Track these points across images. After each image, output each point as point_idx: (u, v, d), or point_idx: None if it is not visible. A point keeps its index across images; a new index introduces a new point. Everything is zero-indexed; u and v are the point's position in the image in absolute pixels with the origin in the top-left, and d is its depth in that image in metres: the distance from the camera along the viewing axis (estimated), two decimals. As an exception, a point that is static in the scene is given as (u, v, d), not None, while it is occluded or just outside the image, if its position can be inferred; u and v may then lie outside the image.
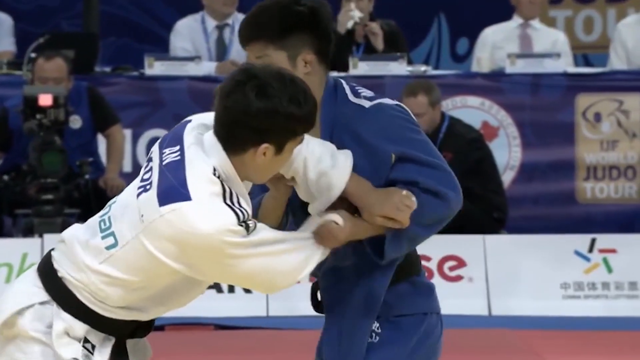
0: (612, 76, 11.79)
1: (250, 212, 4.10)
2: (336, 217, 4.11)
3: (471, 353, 9.34)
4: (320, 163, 4.13)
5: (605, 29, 14.26)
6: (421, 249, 9.13)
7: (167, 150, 4.09)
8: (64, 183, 10.73)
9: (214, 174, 4.06)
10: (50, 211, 10.64)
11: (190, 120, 4.21)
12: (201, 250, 3.97)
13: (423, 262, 9.70)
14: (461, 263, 10.56)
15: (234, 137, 4.11)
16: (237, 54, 12.14)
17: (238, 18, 12.42)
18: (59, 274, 4.12)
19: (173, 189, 3.96)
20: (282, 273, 4.09)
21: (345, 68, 11.35)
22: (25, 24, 12.86)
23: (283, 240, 4.09)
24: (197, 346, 10.00)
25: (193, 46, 12.35)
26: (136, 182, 4.12)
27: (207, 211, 4.00)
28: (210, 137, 4.10)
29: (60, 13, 13.89)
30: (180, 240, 3.95)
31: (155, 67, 11.48)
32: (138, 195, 4.00)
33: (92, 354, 4.15)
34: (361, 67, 11.47)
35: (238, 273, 4.06)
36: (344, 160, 4.15)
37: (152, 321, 4.28)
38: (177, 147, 4.08)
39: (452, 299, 10.05)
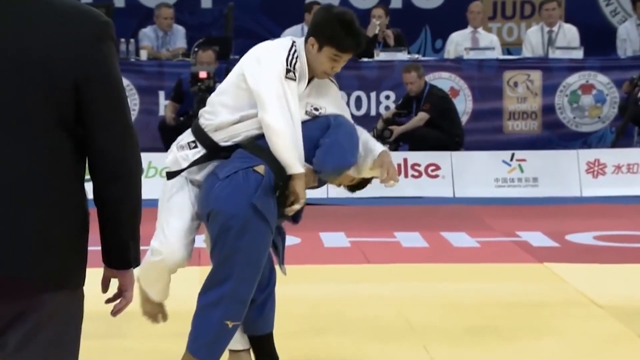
0: (523, 61, 13.69)
1: (296, 70, 4.90)
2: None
3: (443, 219, 10.60)
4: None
5: (520, 34, 15.62)
6: (414, 159, 12.17)
7: None
8: None
9: (291, 43, 4.97)
10: None
11: None
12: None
13: (416, 168, 12.25)
14: (437, 167, 12.24)
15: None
16: None
17: None
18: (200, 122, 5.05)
19: None
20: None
21: (372, 56, 13.30)
22: (192, 32, 14.16)
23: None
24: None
25: None
26: None
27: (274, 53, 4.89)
28: None
29: (211, 26, 15.06)
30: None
31: None
32: None
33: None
34: (381, 56, 13.44)
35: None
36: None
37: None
38: None
39: (432, 188, 12.15)
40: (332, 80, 5.18)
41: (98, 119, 2.85)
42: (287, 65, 4.80)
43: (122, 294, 3.02)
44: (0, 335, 2.85)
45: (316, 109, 5.01)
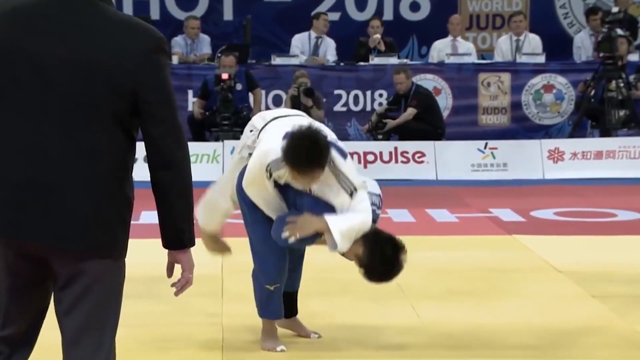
0: (495, 65, 13.73)
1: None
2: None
3: (428, 198, 10.56)
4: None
5: (492, 42, 15.53)
6: (403, 147, 12.17)
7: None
8: (233, 116, 12.18)
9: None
10: (227, 129, 12.15)
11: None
12: None
13: (405, 155, 12.82)
14: (423, 154, 12.19)
15: None
16: (323, 55, 13.75)
17: (325, 38, 13.76)
18: None
19: None
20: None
21: (368, 61, 13.32)
22: (216, 40, 14.12)
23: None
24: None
25: (301, 48, 13.72)
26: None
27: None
28: None
29: (232, 35, 14.94)
30: None
31: (277, 60, 13.18)
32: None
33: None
34: (375, 60, 13.39)
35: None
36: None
37: None
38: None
39: (419, 172, 12.08)
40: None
41: (151, 117, 2.89)
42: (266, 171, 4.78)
43: (182, 274, 3.01)
44: (60, 290, 2.91)
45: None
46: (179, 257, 2.98)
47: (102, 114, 2.85)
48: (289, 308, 5.14)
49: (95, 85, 2.83)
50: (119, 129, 2.87)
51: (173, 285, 3.02)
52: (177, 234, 2.95)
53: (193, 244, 2.99)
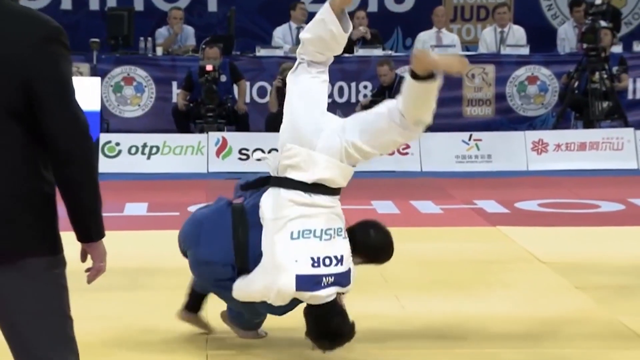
0: (479, 56, 13.62)
1: None
2: None
3: (412, 190, 10.56)
4: None
5: (476, 34, 15.46)
6: None
7: None
8: (218, 107, 12.19)
9: None
10: (211, 121, 12.15)
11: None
12: None
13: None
14: (407, 146, 12.06)
15: None
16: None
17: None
18: None
19: None
20: None
21: (352, 52, 13.27)
22: (200, 32, 13.98)
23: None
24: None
25: (284, 39, 13.66)
26: None
27: None
28: None
29: (217, 26, 14.84)
30: None
31: (261, 52, 13.17)
32: None
33: None
34: (360, 52, 13.47)
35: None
36: None
37: None
38: None
39: (403, 163, 12.06)
40: None
41: (46, 112, 2.79)
42: None
43: (93, 264, 2.97)
44: None
45: None
46: (89, 249, 2.95)
47: None
48: (197, 304, 5.03)
49: None
50: (16, 123, 2.78)
51: (86, 271, 2.99)
52: (85, 229, 2.91)
53: (101, 236, 2.94)
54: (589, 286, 6.27)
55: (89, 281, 2.98)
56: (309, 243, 4.38)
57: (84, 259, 2.98)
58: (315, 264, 4.40)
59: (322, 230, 4.42)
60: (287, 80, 4.75)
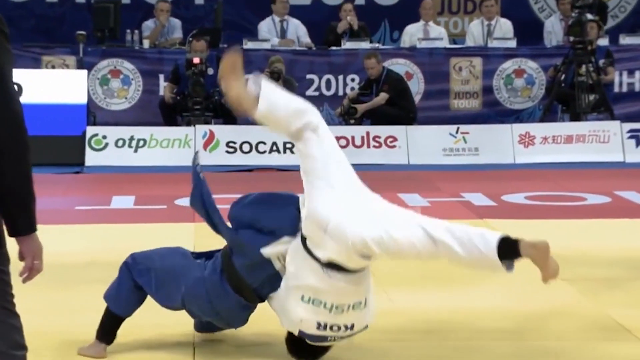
0: (467, 49, 13.79)
1: None
2: None
3: (400, 183, 10.43)
4: None
5: (464, 27, 15.52)
6: (375, 132, 12.04)
7: None
8: (205, 100, 12.25)
9: None
10: (198, 114, 12.23)
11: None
12: None
13: (377, 140, 12.56)
14: (395, 139, 12.25)
15: None
16: (290, 35, 13.77)
17: (290, 19, 13.72)
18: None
19: None
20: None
21: (339, 45, 13.44)
22: (187, 25, 14.03)
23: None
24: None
25: (269, 33, 13.78)
26: None
27: None
28: None
29: (204, 19, 14.96)
30: None
31: (248, 44, 13.13)
32: None
33: None
34: (347, 45, 13.48)
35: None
36: None
37: None
38: None
39: (391, 156, 12.15)
40: None
41: None
42: None
43: (25, 263, 2.85)
44: None
45: None
46: (19, 245, 2.81)
47: None
48: (113, 334, 4.68)
49: None
50: None
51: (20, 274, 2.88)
52: (12, 222, 2.78)
53: (31, 230, 2.81)
54: (575, 279, 6.23)
55: (25, 281, 2.85)
56: (318, 311, 4.31)
57: (21, 257, 2.84)
58: (321, 328, 4.34)
59: (332, 304, 4.29)
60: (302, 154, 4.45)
